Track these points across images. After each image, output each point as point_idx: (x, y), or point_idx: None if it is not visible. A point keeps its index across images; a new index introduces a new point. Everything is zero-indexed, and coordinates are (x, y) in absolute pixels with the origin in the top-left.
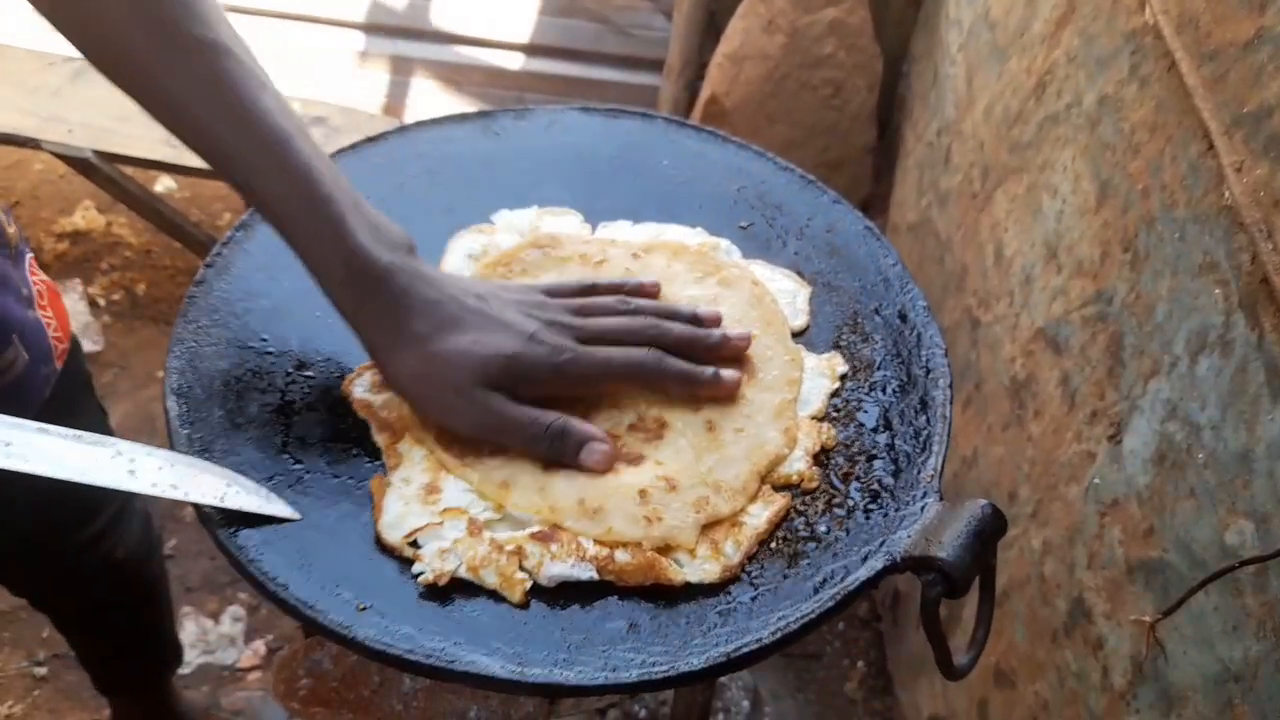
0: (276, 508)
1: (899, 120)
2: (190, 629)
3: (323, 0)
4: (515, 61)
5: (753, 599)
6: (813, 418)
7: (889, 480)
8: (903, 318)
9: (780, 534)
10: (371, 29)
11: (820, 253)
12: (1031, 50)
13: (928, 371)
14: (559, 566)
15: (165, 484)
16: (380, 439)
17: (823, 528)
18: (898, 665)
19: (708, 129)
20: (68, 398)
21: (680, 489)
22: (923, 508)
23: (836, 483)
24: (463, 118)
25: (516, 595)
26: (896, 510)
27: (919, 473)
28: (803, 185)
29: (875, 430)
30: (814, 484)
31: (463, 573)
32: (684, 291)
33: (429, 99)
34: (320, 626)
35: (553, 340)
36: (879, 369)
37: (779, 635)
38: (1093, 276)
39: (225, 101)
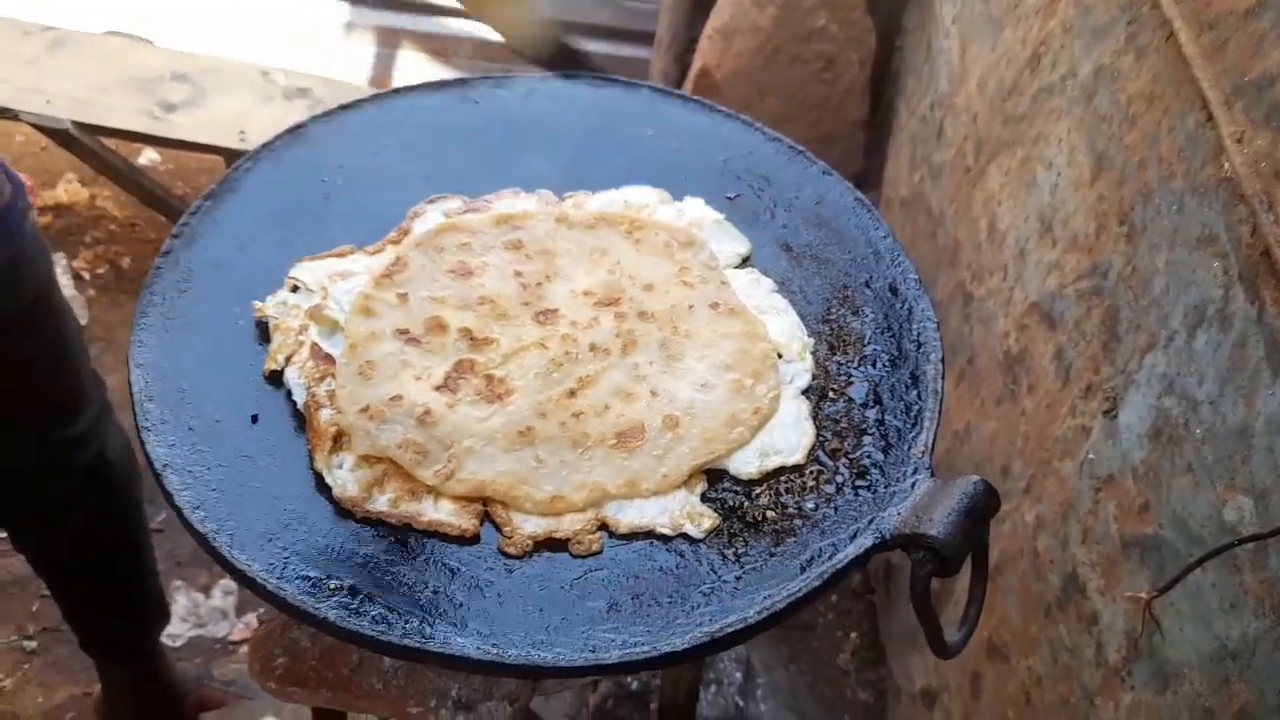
0: None
1: (892, 94)
2: (182, 603)
3: None
4: None
5: (738, 578)
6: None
7: (879, 456)
8: (894, 291)
9: (768, 511)
10: (358, 0)
11: (809, 224)
12: (1026, 21)
13: (919, 345)
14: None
15: None
16: None
17: (810, 505)
18: (890, 637)
19: (693, 98)
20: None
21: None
22: (913, 484)
23: (825, 459)
24: (440, 85)
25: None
26: (886, 487)
27: (909, 449)
28: (791, 156)
29: (865, 405)
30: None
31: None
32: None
33: (417, 71)
34: (287, 606)
35: None
36: (869, 343)
37: (765, 615)
38: (1088, 250)
39: None
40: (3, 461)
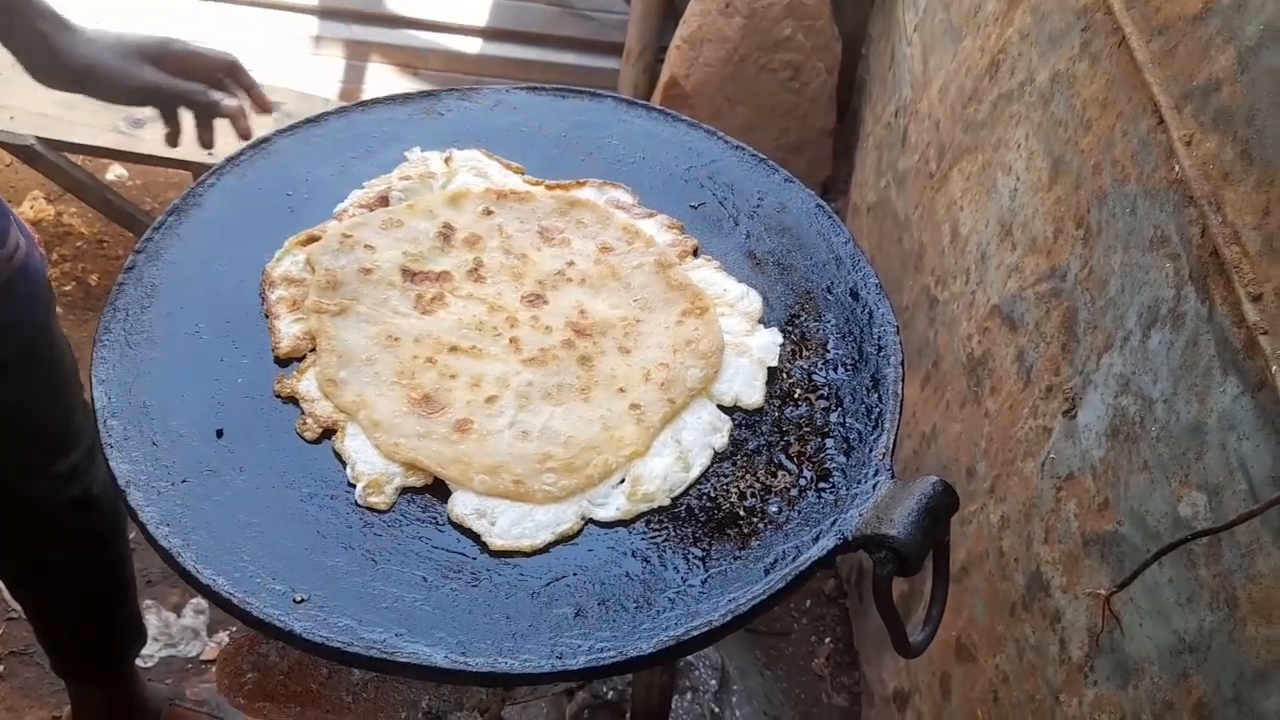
0: None
1: (858, 102)
2: (153, 622)
3: None
4: (473, 46)
5: (703, 581)
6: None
7: (840, 459)
8: (854, 296)
9: (734, 515)
10: (327, 14)
11: (772, 231)
12: (985, 29)
13: (879, 349)
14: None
15: None
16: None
17: (774, 508)
18: (864, 641)
19: (657, 108)
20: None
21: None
22: (874, 486)
23: (788, 462)
24: (406, 98)
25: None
26: (848, 489)
27: (870, 451)
28: (754, 164)
29: (827, 409)
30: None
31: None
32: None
33: (386, 84)
34: (254, 620)
35: None
36: (831, 348)
37: (729, 618)
38: (1046, 253)
39: None
40: None
